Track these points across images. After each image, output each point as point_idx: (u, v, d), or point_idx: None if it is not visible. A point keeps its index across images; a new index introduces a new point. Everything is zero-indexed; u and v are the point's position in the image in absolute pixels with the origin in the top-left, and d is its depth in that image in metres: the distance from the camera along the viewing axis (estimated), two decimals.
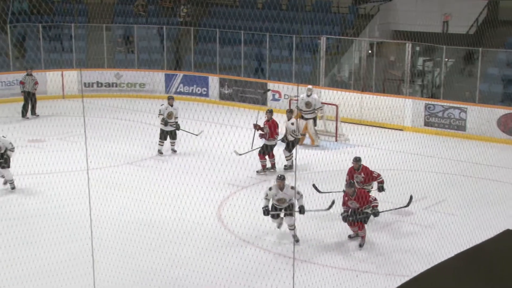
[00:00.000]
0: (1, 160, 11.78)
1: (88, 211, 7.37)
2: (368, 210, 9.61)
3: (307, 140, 15.56)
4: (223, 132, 12.95)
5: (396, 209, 10.43)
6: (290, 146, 13.40)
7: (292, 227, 9.66)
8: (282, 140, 13.45)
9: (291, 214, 9.59)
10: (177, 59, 21.44)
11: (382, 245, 10.03)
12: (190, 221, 10.21)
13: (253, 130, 13.28)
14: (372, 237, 10.19)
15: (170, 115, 14.36)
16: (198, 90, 20.34)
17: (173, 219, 10.43)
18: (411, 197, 10.34)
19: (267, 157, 13.23)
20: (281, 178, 9.62)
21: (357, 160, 10.56)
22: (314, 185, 10.87)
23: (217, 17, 21.98)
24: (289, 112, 13.48)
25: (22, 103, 17.92)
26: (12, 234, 10.13)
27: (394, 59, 19.15)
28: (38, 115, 17.78)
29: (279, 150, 13.54)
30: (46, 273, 8.87)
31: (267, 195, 9.68)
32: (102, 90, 20.47)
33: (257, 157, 13.28)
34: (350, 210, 9.63)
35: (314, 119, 15.40)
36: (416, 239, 10.14)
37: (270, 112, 13.29)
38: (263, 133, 13.12)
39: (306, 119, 15.29)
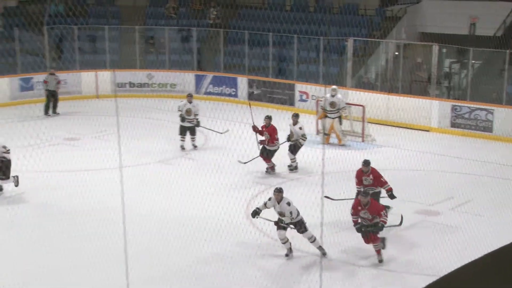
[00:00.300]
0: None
1: (121, 207, 7.44)
2: (377, 221, 9.13)
3: (333, 139, 15.51)
4: (252, 132, 12.99)
5: (389, 226, 9.56)
6: (295, 148, 13.12)
7: (312, 239, 9.29)
8: (295, 144, 13.07)
9: (304, 231, 9.23)
10: (200, 60, 21.48)
11: (408, 244, 9.95)
12: (219, 219, 10.23)
13: (255, 133, 12.98)
14: (398, 236, 10.12)
15: (188, 111, 14.53)
16: (227, 91, 20.40)
17: (203, 217, 10.50)
18: (402, 217, 9.70)
19: (264, 161, 12.94)
20: (278, 191, 9.24)
21: (366, 164, 10.17)
22: (326, 196, 10.33)
23: (246, 19, 22.01)
24: (295, 116, 13.20)
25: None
26: (47, 229, 10.29)
27: (421, 61, 18.97)
28: (58, 113, 18.02)
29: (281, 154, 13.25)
30: (79, 267, 8.99)
31: (265, 203, 9.43)
32: (134, 90, 20.67)
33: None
34: (360, 220, 9.14)
35: (339, 118, 15.33)
36: (442, 239, 10.03)
37: (268, 118, 12.98)
38: (263, 139, 12.84)
39: (331, 118, 15.25)
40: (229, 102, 19.91)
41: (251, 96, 13.68)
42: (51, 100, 17.94)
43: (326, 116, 15.30)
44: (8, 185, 11.81)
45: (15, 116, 17.59)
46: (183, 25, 22.42)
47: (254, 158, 12.91)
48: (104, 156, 13.35)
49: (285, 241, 9.36)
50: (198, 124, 14.65)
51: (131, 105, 18.51)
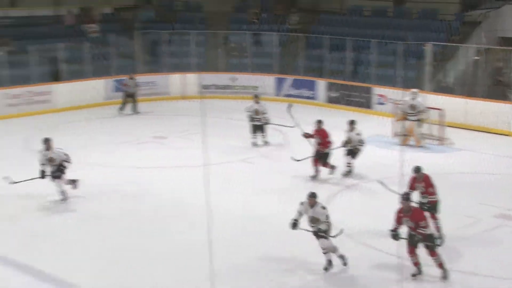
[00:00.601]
0: (56, 172, 11.22)
1: (205, 204, 7.49)
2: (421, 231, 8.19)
3: (411, 142, 15.12)
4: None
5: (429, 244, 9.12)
6: (354, 154, 12.68)
7: (325, 251, 8.59)
8: (353, 150, 12.60)
9: (323, 237, 8.51)
10: (281, 64, 21.43)
11: (487, 248, 9.49)
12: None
13: (309, 139, 12.64)
14: (476, 240, 9.70)
15: (256, 112, 14.97)
16: (306, 93, 20.32)
17: (280, 214, 10.45)
18: (443, 239, 9.05)
19: (323, 167, 12.56)
20: (312, 196, 8.57)
21: (417, 170, 9.30)
22: (380, 182, 10.16)
23: (325, 24, 21.82)
24: (351, 123, 12.75)
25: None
26: (133, 223, 10.51)
27: (501, 66, 18.18)
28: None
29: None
30: (164, 260, 9.12)
31: (298, 211, 8.74)
32: (218, 92, 20.93)
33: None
34: (408, 229, 8.31)
35: (419, 121, 14.94)
36: None
37: (319, 122, 12.63)
38: (318, 146, 12.44)
39: (411, 121, 14.89)
40: (308, 104, 19.76)
41: (288, 109, 13.54)
42: (129, 101, 18.45)
43: (405, 119, 14.95)
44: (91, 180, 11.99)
45: (108, 115, 18.20)
46: (265, 30, 22.48)
47: (307, 158, 12.68)
48: (189, 154, 13.56)
49: (335, 249, 8.64)
50: (267, 122, 15.01)
51: (215, 106, 18.74)
